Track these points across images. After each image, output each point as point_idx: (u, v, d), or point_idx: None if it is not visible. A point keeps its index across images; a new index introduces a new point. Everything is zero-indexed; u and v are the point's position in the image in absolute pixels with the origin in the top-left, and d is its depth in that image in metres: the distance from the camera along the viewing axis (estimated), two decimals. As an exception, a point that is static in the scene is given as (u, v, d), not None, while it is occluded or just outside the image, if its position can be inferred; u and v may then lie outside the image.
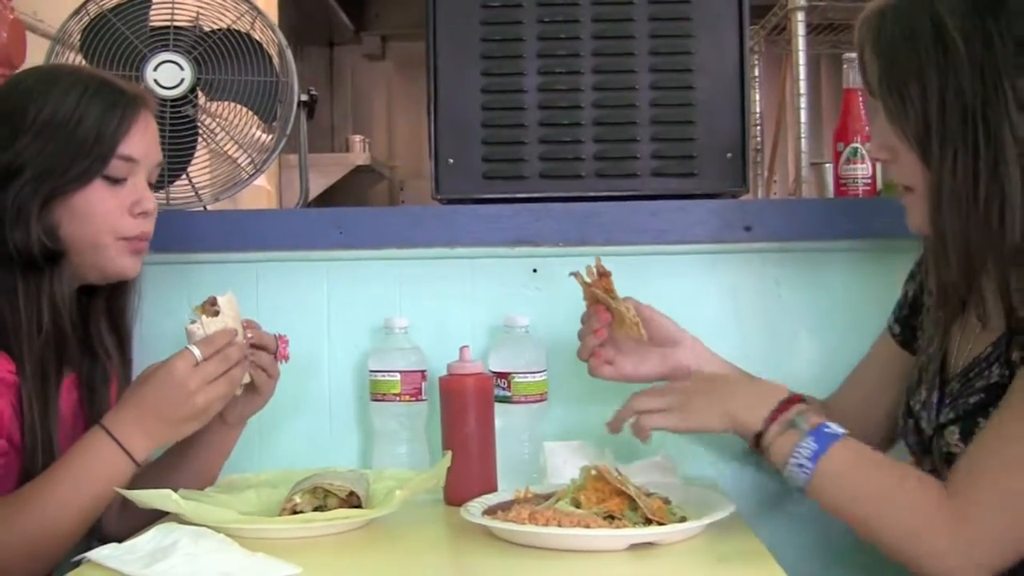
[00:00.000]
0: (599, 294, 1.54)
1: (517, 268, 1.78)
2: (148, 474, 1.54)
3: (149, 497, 1.38)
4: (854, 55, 1.91)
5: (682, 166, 1.77)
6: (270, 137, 1.88)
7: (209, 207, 1.87)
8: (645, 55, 1.77)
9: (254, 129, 1.88)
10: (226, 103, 1.85)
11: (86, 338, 1.55)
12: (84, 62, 1.82)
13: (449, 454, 1.52)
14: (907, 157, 1.32)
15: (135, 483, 1.43)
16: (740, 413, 1.39)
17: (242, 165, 1.86)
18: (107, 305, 1.58)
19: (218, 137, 1.85)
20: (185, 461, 1.58)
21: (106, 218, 1.48)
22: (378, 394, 1.68)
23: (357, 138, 4.83)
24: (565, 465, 1.56)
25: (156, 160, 1.55)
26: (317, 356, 1.78)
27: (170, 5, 1.83)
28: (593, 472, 1.39)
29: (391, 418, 1.69)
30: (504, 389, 1.64)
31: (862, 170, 1.88)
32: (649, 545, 1.29)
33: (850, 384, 1.64)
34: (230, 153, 1.86)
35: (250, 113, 1.85)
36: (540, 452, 1.62)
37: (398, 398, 1.67)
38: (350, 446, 1.78)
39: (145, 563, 1.21)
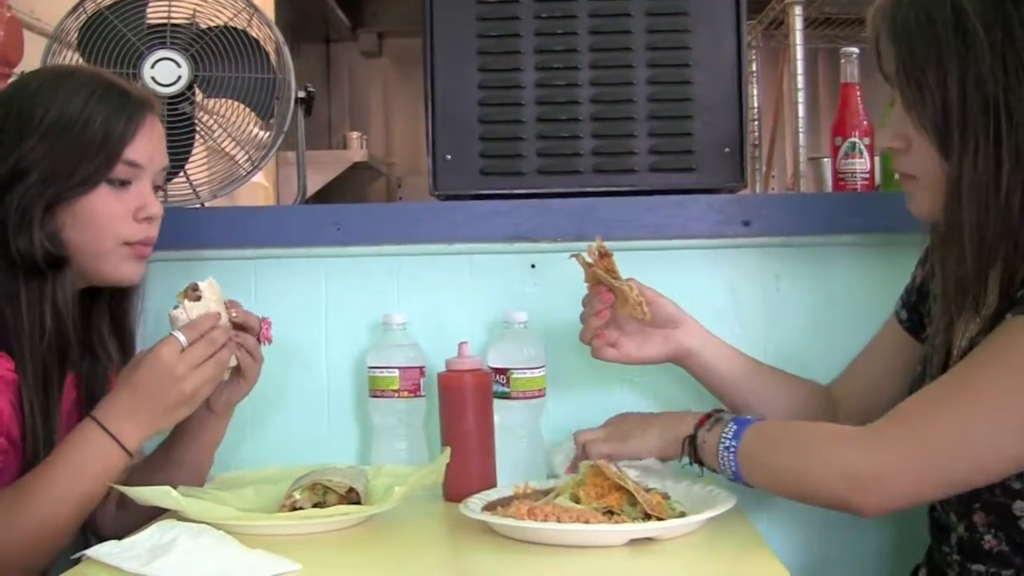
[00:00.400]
0: (601, 275, 1.53)
1: (515, 264, 1.77)
2: (139, 472, 1.54)
3: (148, 494, 1.38)
4: (852, 49, 1.93)
5: (680, 161, 1.77)
6: (267, 134, 1.88)
7: (206, 204, 1.87)
8: (642, 50, 1.77)
9: (251, 126, 1.88)
10: (223, 100, 1.85)
11: (88, 340, 1.55)
12: (81, 60, 1.82)
13: (448, 450, 1.51)
14: (921, 146, 1.30)
15: (128, 483, 1.43)
16: (670, 430, 1.47)
17: (239, 162, 1.86)
18: (110, 307, 1.57)
19: (215, 134, 1.85)
20: (175, 455, 1.57)
21: (110, 223, 1.47)
22: (377, 390, 1.68)
23: (354, 135, 4.83)
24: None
25: (162, 164, 1.54)
26: (315, 352, 1.78)
27: (167, 2, 1.83)
28: (592, 467, 1.39)
29: (390, 414, 1.69)
30: (503, 385, 1.64)
31: (860, 164, 1.87)
32: (649, 540, 1.29)
33: (854, 370, 1.62)
34: (227, 150, 1.86)
35: (247, 110, 1.85)
36: (555, 450, 1.61)
37: (397, 394, 1.67)
38: (349, 442, 1.78)
39: (145, 560, 1.21)
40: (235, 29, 1.83)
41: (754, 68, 3.23)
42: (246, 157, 1.86)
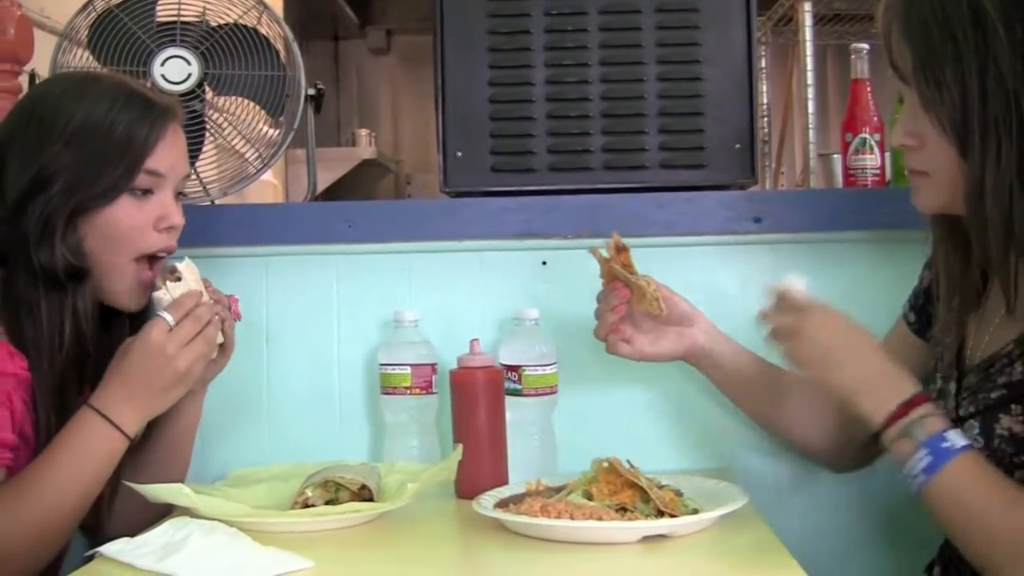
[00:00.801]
0: (617, 270, 1.52)
1: (526, 261, 1.77)
2: (124, 468, 1.52)
3: (159, 491, 1.38)
4: (862, 46, 1.93)
5: (691, 158, 1.76)
6: (277, 132, 1.88)
7: (217, 201, 1.87)
8: (653, 47, 1.76)
9: (261, 123, 1.88)
10: (233, 98, 1.85)
11: (108, 353, 1.50)
12: (91, 58, 1.82)
13: (460, 447, 1.52)
14: (937, 144, 1.28)
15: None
16: (865, 400, 1.31)
17: (249, 160, 1.86)
18: (131, 319, 1.54)
19: (225, 132, 1.85)
20: (154, 443, 1.56)
21: (130, 234, 1.46)
22: (388, 387, 1.68)
23: (363, 132, 4.84)
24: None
25: (184, 173, 1.54)
26: (327, 349, 1.78)
27: (176, 0, 1.83)
28: (605, 464, 1.39)
29: (402, 411, 1.69)
30: (514, 382, 1.63)
31: (871, 160, 1.87)
32: (661, 537, 1.29)
33: None
34: (237, 148, 1.86)
35: (257, 108, 1.85)
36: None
37: (408, 391, 1.67)
38: (360, 439, 1.78)
39: (158, 557, 1.21)
40: (245, 27, 1.83)
41: (764, 65, 3.23)
42: (256, 155, 1.86)
